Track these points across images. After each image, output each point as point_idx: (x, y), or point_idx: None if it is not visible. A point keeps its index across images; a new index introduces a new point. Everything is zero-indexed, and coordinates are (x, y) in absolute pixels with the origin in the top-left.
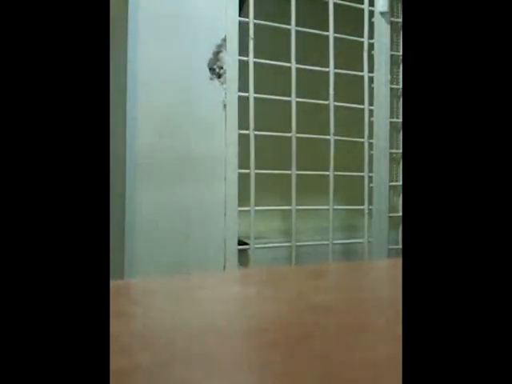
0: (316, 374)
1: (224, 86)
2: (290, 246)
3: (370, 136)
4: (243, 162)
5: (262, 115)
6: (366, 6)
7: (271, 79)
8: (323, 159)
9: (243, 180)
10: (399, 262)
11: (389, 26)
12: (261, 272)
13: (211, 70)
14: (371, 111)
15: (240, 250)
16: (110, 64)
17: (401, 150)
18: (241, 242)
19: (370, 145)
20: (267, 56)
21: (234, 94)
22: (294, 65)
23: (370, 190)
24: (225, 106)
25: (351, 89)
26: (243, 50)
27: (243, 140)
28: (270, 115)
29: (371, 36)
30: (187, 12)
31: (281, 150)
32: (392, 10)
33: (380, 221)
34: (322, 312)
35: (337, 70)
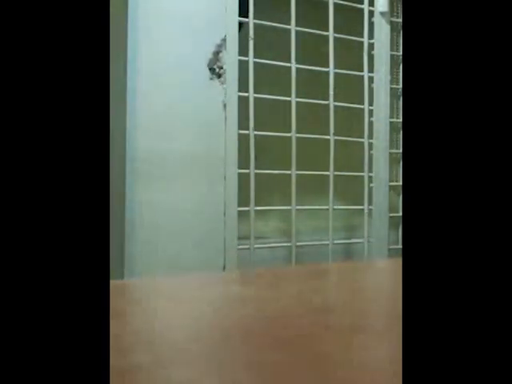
0: (316, 374)
1: (224, 85)
2: (290, 246)
3: (370, 136)
4: (243, 162)
5: (262, 115)
6: (365, 6)
7: (271, 79)
8: (323, 159)
9: (243, 180)
10: (399, 261)
11: (389, 26)
12: (261, 272)
13: (211, 70)
14: (371, 111)
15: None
16: (109, 64)
17: (401, 150)
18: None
19: (370, 145)
20: (267, 56)
21: (233, 94)
22: (293, 65)
23: (370, 189)
24: (225, 105)
25: (351, 89)
26: (243, 49)
27: (243, 140)
28: (270, 115)
29: (371, 36)
30: (187, 12)
31: (281, 150)
32: (392, 10)
33: (380, 221)
34: (322, 312)
35: (337, 70)
